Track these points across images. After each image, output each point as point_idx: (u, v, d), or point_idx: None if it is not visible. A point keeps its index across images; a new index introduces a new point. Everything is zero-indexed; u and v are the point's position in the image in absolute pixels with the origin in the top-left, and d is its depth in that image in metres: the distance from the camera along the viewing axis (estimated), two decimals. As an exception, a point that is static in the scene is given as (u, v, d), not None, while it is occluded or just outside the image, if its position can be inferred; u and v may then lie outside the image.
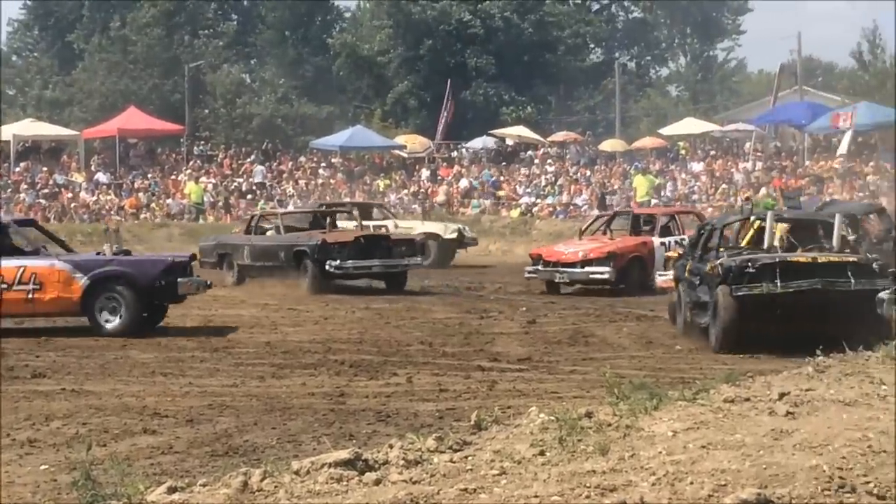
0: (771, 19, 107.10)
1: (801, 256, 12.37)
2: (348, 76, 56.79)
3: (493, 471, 4.17)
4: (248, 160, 41.18)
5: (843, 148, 34.17)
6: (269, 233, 21.11)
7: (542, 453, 4.37)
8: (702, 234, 14.28)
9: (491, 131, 45.12)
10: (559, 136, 45.40)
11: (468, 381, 9.91)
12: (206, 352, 12.02)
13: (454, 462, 4.38)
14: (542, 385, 9.75)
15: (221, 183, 38.51)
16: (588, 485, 3.81)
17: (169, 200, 36.38)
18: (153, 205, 36.02)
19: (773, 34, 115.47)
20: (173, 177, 38.83)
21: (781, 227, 13.99)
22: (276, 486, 4.18)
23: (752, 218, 14.82)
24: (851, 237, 13.54)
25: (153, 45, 50.54)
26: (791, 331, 11.63)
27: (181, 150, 42.96)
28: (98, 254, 14.77)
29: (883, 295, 10.37)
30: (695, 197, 33.37)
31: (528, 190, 37.26)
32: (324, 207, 24.76)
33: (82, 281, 13.39)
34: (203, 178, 38.34)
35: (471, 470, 4.23)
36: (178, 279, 13.60)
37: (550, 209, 35.18)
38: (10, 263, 13.56)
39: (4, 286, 13.38)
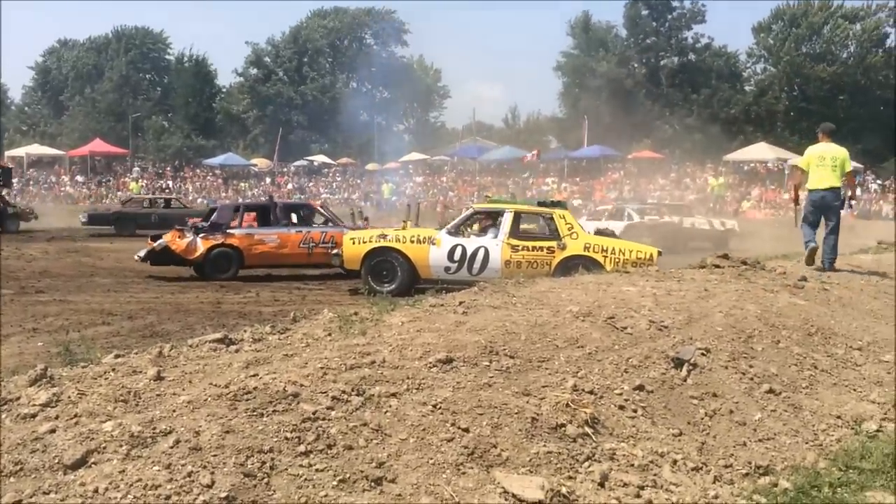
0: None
1: None
2: None
3: (302, 344, 6.55)
4: None
5: None
6: None
7: (329, 334, 6.93)
8: None
9: None
10: None
11: (290, 294, 15.25)
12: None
13: (280, 339, 6.85)
14: (332, 296, 14.05)
15: None
16: (354, 352, 6.02)
17: None
18: None
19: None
20: None
21: None
22: (178, 354, 6.40)
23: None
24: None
25: None
26: None
27: None
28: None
29: None
30: None
31: None
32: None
33: None
34: None
35: (289, 344, 6.60)
36: None
37: None
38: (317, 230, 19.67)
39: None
